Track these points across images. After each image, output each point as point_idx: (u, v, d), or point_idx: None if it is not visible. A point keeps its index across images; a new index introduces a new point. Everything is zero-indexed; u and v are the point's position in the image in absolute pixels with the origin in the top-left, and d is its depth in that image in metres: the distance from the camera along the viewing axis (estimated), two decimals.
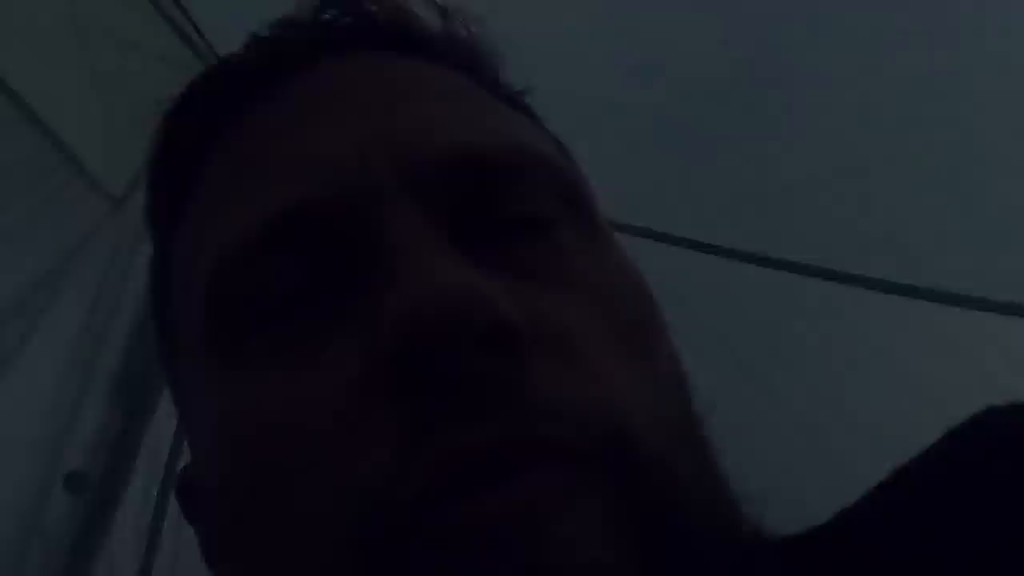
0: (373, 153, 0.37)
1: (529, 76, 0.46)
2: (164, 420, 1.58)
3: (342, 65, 0.42)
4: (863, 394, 1.69)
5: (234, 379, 0.37)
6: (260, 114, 0.41)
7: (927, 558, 0.34)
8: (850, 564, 0.35)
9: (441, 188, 0.37)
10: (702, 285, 1.59)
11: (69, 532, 1.48)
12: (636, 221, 1.53)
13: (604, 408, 0.33)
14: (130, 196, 1.53)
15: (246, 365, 0.36)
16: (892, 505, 0.37)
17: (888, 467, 0.39)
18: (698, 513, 0.33)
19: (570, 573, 0.30)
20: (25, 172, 1.40)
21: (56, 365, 1.46)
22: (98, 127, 1.48)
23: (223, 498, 0.38)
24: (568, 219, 0.39)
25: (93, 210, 1.51)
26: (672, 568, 0.31)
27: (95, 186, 1.51)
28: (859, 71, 1.49)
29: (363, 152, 0.37)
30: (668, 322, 0.40)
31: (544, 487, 0.30)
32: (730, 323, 1.62)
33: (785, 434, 1.60)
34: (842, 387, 1.70)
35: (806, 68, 1.48)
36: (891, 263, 1.65)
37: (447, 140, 0.38)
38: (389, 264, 0.34)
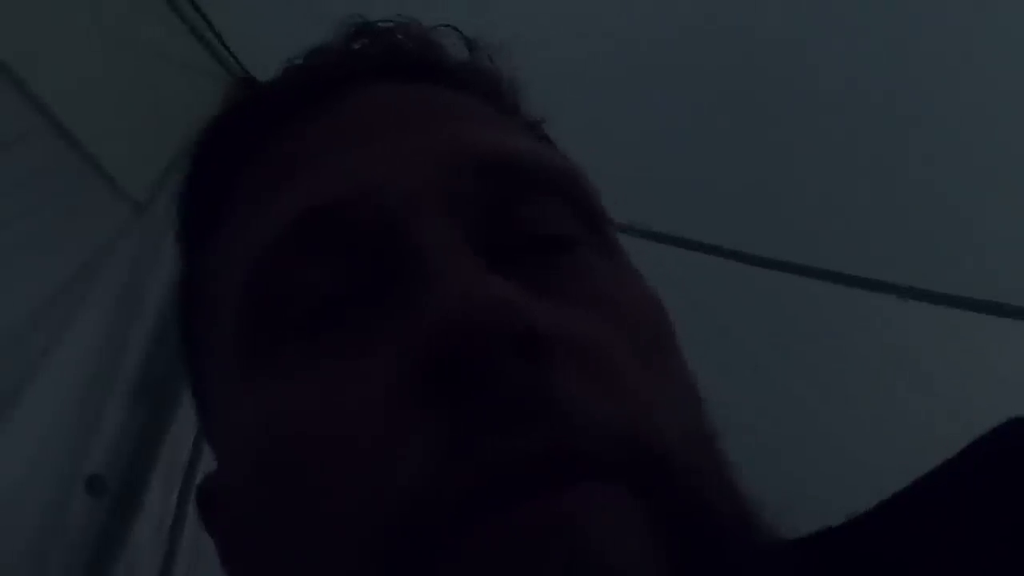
0: (404, 163, 0.38)
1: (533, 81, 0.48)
2: (185, 425, 1.59)
3: (375, 90, 0.44)
4: (879, 399, 1.68)
5: (268, 383, 0.37)
6: (295, 133, 0.43)
7: (948, 565, 0.34)
8: (865, 568, 0.35)
9: (470, 197, 0.38)
10: (716, 289, 1.59)
11: (91, 534, 1.49)
12: (644, 224, 1.53)
13: (637, 424, 0.34)
14: (152, 201, 1.54)
15: (280, 370, 0.37)
16: (913, 512, 0.37)
17: (904, 472, 0.39)
18: (726, 522, 0.34)
19: None
20: (47, 177, 1.41)
21: (79, 368, 1.47)
22: (120, 132, 1.49)
23: (249, 504, 0.38)
24: (589, 240, 0.40)
25: (115, 215, 1.52)
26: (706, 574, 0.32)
27: (117, 191, 1.52)
28: (873, 72, 1.48)
29: (394, 162, 0.38)
30: (680, 328, 0.41)
31: (584, 499, 0.31)
32: (743, 328, 1.62)
33: (800, 438, 1.60)
34: (858, 392, 1.69)
35: (818, 67, 1.48)
36: (908, 267, 1.64)
37: (479, 147, 0.40)
38: (423, 271, 0.35)
